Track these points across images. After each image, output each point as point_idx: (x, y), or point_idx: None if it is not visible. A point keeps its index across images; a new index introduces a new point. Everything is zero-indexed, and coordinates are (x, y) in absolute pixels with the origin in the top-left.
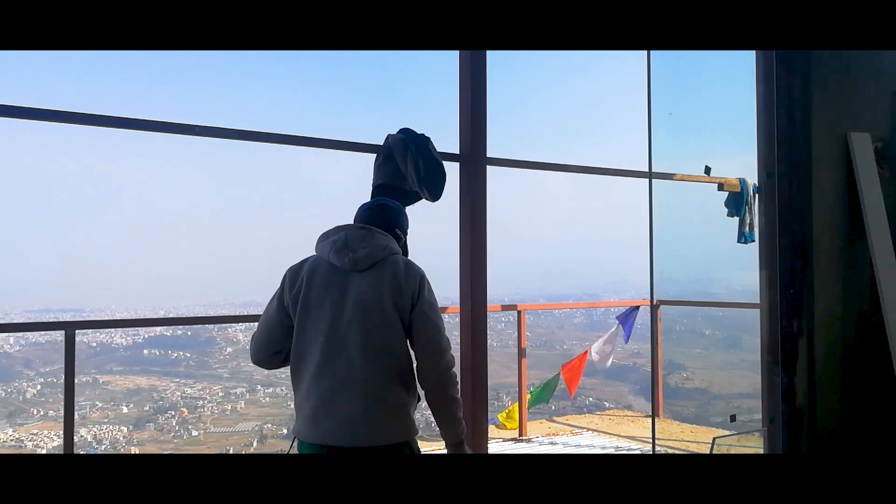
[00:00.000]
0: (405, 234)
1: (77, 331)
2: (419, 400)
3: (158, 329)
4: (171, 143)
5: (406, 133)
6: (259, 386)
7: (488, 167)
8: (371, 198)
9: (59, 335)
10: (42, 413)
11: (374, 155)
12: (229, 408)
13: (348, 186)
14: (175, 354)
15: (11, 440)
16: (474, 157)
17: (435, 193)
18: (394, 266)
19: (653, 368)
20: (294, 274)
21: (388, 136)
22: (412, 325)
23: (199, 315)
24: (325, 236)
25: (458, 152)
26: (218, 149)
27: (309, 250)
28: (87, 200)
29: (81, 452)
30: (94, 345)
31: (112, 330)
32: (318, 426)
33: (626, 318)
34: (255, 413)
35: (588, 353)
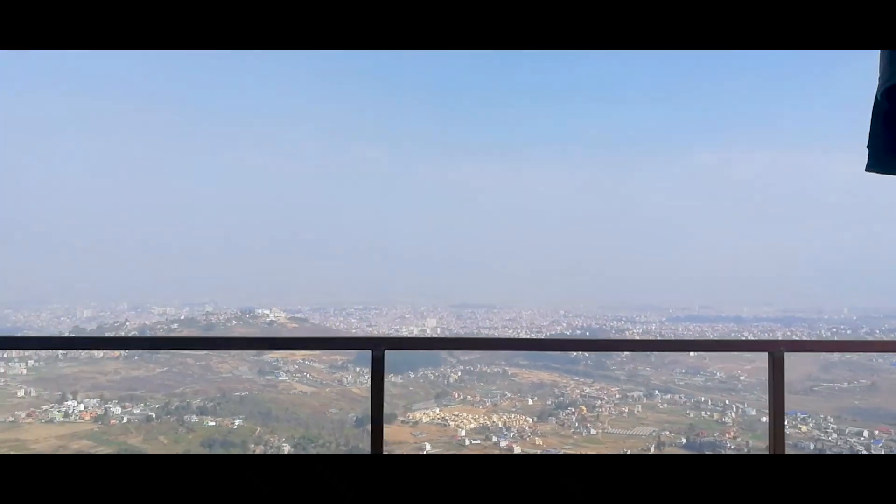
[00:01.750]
0: None
1: (385, 349)
2: None
3: (559, 328)
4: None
5: None
6: (657, 391)
7: None
8: (872, 118)
9: (473, 327)
10: (462, 397)
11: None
12: (626, 410)
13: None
14: (575, 353)
15: (438, 419)
16: None
17: None
18: None
19: None
20: None
21: None
22: None
23: (598, 317)
24: None
25: None
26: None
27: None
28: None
29: (494, 438)
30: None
31: (517, 325)
32: None
33: None
34: (653, 418)
35: None
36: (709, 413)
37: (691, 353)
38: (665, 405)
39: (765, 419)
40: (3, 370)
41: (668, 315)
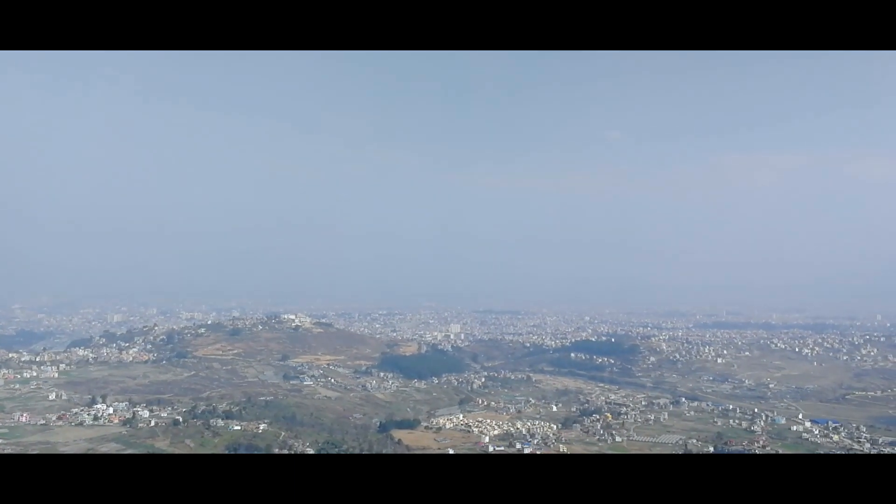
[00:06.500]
0: None
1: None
2: None
3: (584, 334)
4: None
5: None
6: (684, 399)
7: None
8: None
9: (497, 333)
10: (486, 403)
11: None
12: (652, 418)
13: None
14: (600, 360)
15: (462, 425)
16: None
17: None
18: None
19: None
20: None
21: None
22: None
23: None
24: None
25: None
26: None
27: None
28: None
29: (518, 445)
30: (528, 345)
31: (542, 331)
32: None
33: None
34: (679, 426)
35: None
36: (737, 421)
37: (719, 360)
38: (692, 413)
39: (795, 427)
40: (35, 374)
41: (695, 321)
